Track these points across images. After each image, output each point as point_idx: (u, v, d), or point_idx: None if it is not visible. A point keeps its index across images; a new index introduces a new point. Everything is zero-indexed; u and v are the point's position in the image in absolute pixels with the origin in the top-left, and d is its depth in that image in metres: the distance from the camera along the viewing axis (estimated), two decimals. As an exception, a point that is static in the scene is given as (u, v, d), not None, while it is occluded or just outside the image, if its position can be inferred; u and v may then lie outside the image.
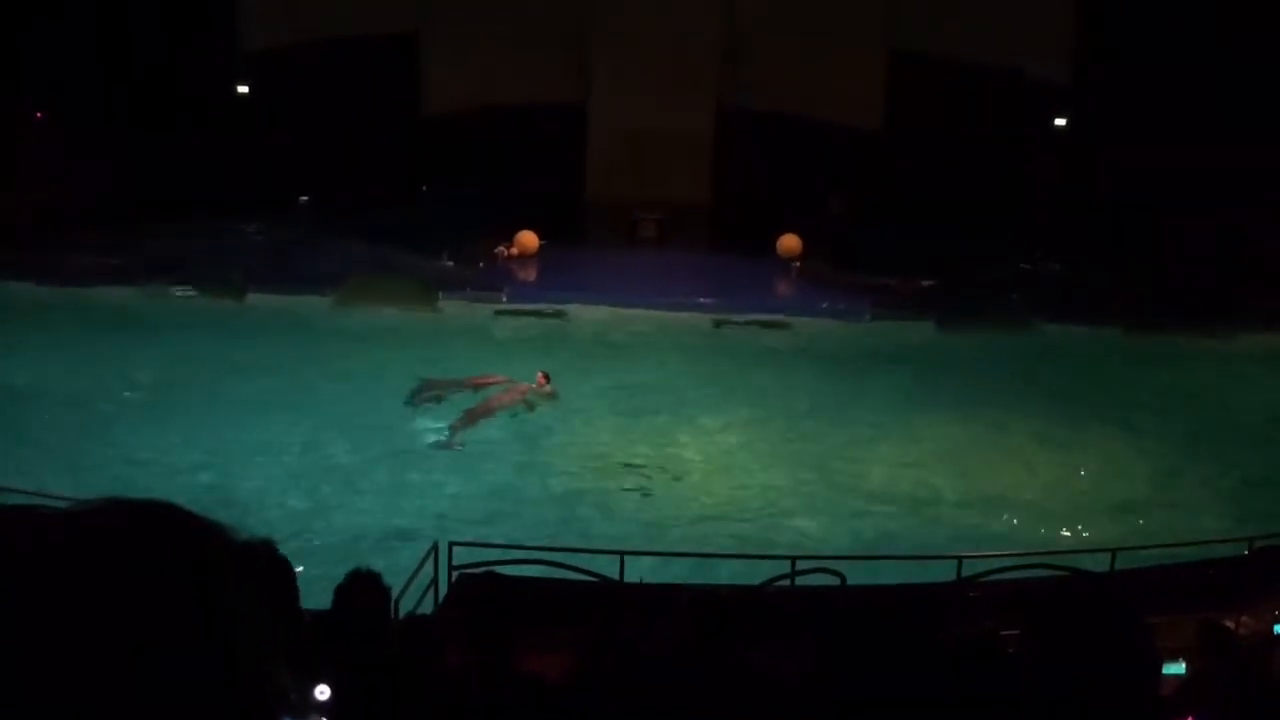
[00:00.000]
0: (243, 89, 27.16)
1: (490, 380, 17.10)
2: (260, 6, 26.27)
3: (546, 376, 16.93)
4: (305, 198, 26.79)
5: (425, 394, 16.74)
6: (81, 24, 25.18)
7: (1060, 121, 26.67)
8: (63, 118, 25.40)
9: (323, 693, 4.26)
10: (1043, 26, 25.25)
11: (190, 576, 0.94)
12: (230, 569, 0.97)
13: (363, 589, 4.98)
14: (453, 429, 15.58)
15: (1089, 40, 25.43)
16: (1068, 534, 13.03)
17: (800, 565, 10.07)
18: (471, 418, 15.90)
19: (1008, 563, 10.45)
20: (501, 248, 24.20)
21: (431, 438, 15.47)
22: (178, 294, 21.02)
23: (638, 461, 15.09)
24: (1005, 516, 13.79)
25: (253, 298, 20.99)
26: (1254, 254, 22.70)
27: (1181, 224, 23.68)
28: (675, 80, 25.73)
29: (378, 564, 6.05)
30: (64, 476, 12.63)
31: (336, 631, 4.60)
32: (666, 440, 15.84)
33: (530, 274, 23.93)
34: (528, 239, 24.39)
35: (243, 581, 0.97)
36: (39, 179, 23.76)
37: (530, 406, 16.53)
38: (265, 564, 0.90)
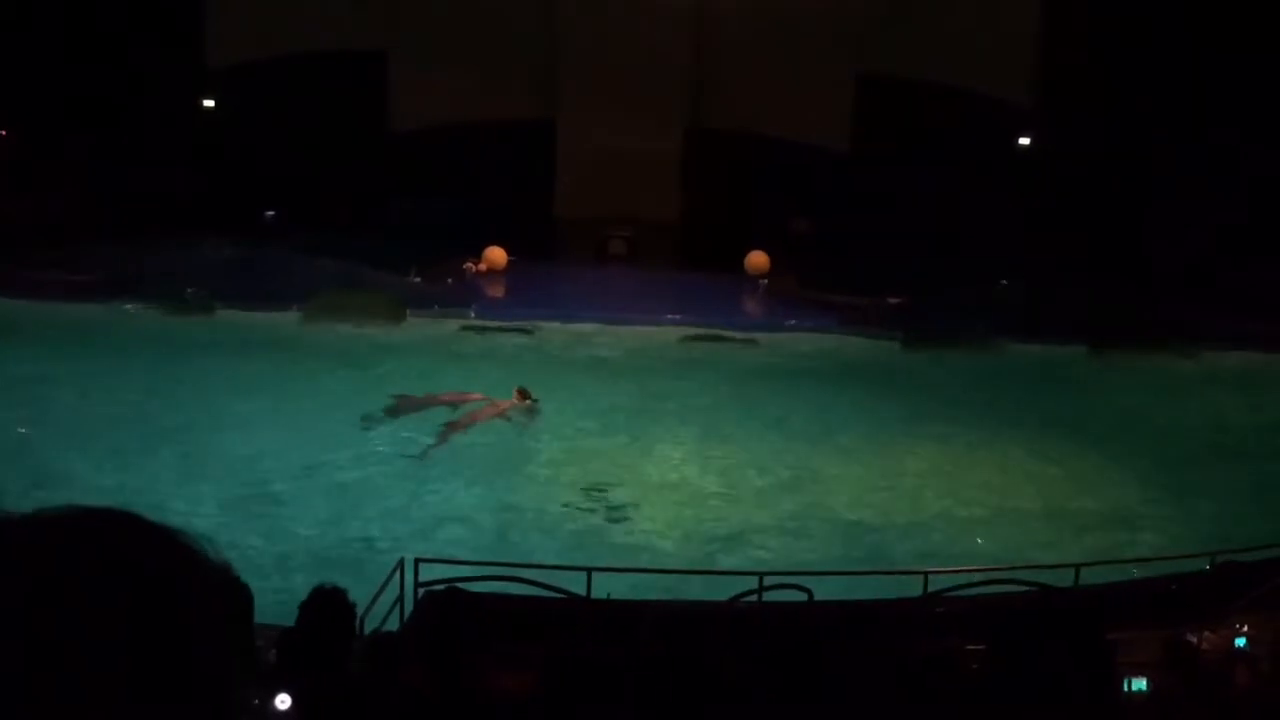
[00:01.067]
0: (209, 103, 27.05)
1: (467, 398, 17.04)
2: (227, 22, 26.15)
3: (523, 393, 16.87)
4: (272, 212, 26.66)
5: (399, 411, 16.66)
6: (45, 37, 25.01)
7: (1024, 141, 26.94)
8: (26, 132, 25.20)
9: (283, 702, 4.24)
10: (1006, 49, 25.51)
11: (152, 582, 0.94)
12: (191, 575, 0.97)
13: (327, 605, 4.95)
14: (429, 444, 15.53)
15: (1053, 60, 25.72)
16: (1032, 550, 13.09)
17: (768, 581, 10.08)
18: (447, 434, 15.86)
19: (973, 578, 10.52)
20: (470, 264, 24.17)
21: (402, 453, 15.40)
22: (140, 310, 20.84)
23: (605, 476, 15.07)
24: (970, 532, 13.87)
25: (219, 313, 20.87)
26: (1221, 274, 22.93)
27: (1150, 243, 23.93)
28: (644, 99, 25.79)
29: (343, 581, 6.02)
30: (25, 491, 12.49)
31: (301, 647, 4.57)
32: (634, 455, 15.83)
33: (499, 290, 23.90)
34: (496, 255, 24.37)
35: (203, 589, 0.97)
36: (2, 193, 23.53)
37: (508, 420, 16.49)
38: (223, 581, 0.89)
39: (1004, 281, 23.33)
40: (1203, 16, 24.43)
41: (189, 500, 13.21)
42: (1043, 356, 20.42)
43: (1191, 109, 24.59)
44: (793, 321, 21.99)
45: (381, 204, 26.12)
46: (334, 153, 25.99)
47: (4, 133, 25.50)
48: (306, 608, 5.02)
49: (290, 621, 5.67)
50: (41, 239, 22.52)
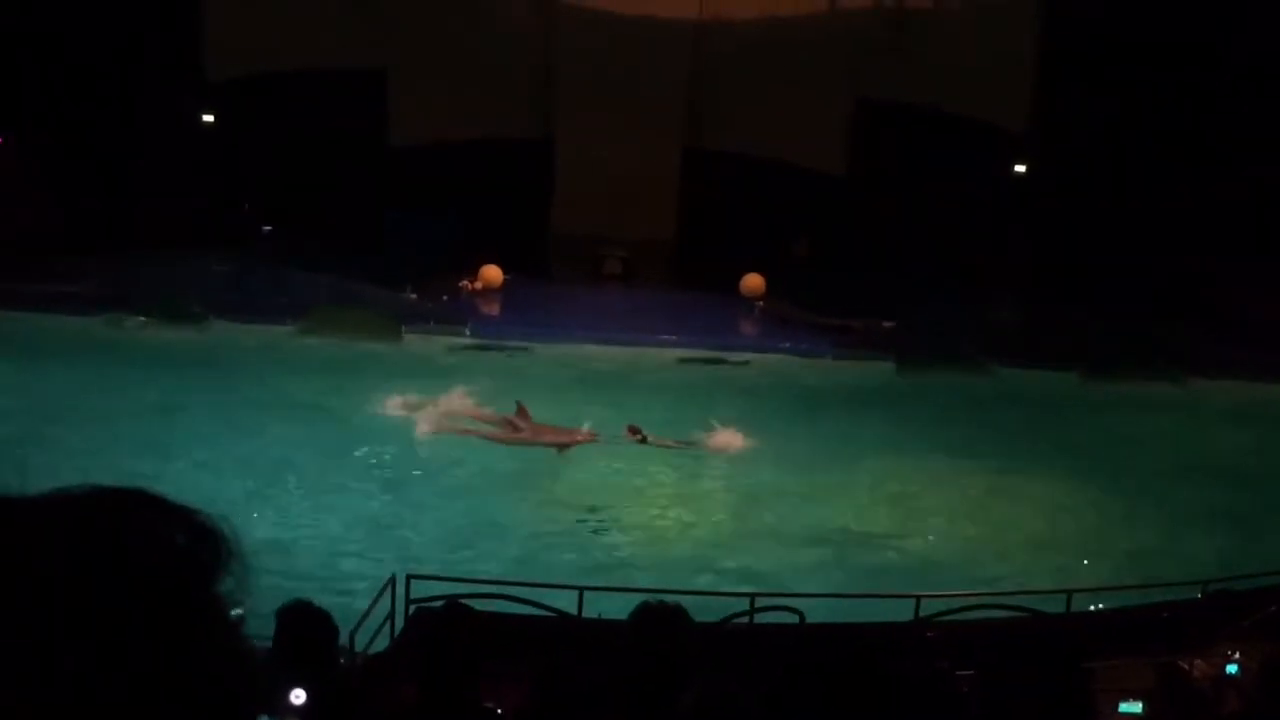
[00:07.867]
0: (208, 118, 27.09)
1: (574, 434, 16.48)
2: (227, 36, 26.21)
3: (635, 429, 16.47)
4: (269, 227, 26.69)
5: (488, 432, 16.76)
6: (44, 49, 25.03)
7: (1020, 168, 27.05)
8: (24, 143, 25.23)
9: (298, 697, 4.22)
10: (1001, 77, 25.64)
11: (179, 560, 0.94)
12: (218, 555, 0.97)
13: (306, 620, 4.93)
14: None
15: (1048, 88, 25.84)
16: (1024, 575, 13.09)
17: (759, 603, 10.06)
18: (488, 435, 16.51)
19: (965, 603, 10.49)
20: (466, 281, 24.19)
21: (402, 471, 15.51)
22: (135, 322, 20.82)
23: (598, 497, 15.05)
24: (963, 557, 13.85)
25: (215, 326, 20.86)
26: (1213, 301, 23.01)
27: (1140, 269, 24.00)
28: (641, 119, 25.89)
29: (334, 596, 6.01)
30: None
31: (285, 658, 4.57)
32: (627, 477, 15.81)
33: (494, 308, 23.92)
34: (492, 273, 24.41)
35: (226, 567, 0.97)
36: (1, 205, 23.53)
37: (565, 456, 16.29)
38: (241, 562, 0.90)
39: (1002, 312, 23.37)
40: (1198, 43, 24.59)
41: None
42: (1035, 381, 20.45)
43: (1183, 135, 24.72)
44: (787, 344, 22.02)
45: (379, 220, 26.16)
46: (332, 168, 26.03)
47: (1, 140, 25.48)
48: (284, 614, 4.94)
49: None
50: (37, 252, 22.50)
